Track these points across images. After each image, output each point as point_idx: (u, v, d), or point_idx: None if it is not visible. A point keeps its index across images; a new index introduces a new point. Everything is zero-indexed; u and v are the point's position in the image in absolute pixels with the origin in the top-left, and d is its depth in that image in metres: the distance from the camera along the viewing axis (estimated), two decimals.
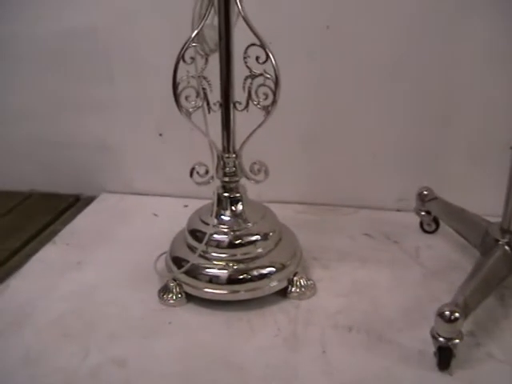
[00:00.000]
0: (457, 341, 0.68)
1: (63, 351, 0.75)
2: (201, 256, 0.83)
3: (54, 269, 0.94)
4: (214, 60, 0.79)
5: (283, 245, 0.87)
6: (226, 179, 0.84)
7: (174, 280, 0.84)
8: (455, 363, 0.70)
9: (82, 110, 1.15)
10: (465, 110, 1.02)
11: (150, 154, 1.18)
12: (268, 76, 0.76)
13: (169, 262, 0.87)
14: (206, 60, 0.78)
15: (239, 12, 0.74)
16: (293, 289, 0.85)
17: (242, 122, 0.82)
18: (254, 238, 0.84)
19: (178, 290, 0.84)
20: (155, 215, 1.13)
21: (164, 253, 0.91)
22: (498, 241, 0.82)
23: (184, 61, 0.75)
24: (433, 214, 1.00)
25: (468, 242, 0.92)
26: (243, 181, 0.86)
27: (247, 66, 0.77)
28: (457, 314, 0.67)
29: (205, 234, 0.82)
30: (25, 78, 1.16)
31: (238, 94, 0.80)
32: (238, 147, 0.83)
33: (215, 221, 0.84)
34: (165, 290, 0.85)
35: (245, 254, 0.83)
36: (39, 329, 0.80)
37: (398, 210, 1.11)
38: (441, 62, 1.00)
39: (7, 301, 0.86)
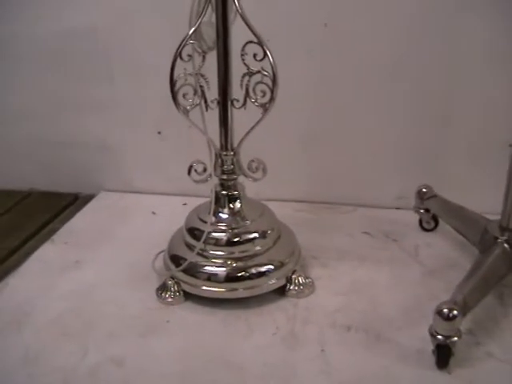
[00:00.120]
0: (455, 339, 0.68)
1: (62, 350, 0.75)
2: (199, 254, 0.83)
3: (52, 267, 0.94)
4: (212, 57, 0.79)
5: (282, 243, 0.86)
6: (224, 177, 0.84)
7: (172, 278, 0.84)
8: (454, 362, 0.69)
9: (82, 109, 1.16)
10: (465, 110, 1.02)
11: (149, 153, 1.18)
12: (266, 73, 0.76)
13: (167, 260, 0.87)
14: (204, 57, 0.78)
15: (237, 9, 0.74)
16: (291, 287, 0.85)
17: (240, 119, 0.82)
18: (252, 235, 0.83)
19: (176, 288, 0.84)
20: (154, 213, 1.13)
21: (162, 251, 0.90)
22: (497, 238, 0.81)
23: (181, 58, 0.75)
24: (432, 211, 1.00)
25: (467, 239, 0.91)
26: (241, 179, 0.86)
27: (245, 64, 0.77)
28: (455, 312, 0.67)
29: (203, 232, 0.82)
30: (25, 78, 1.16)
31: (236, 92, 0.80)
32: (235, 145, 0.83)
33: (213, 219, 0.84)
34: (163, 289, 0.85)
35: (243, 251, 0.83)
36: (38, 328, 0.79)
37: (398, 208, 1.10)
38: (441, 62, 1.00)
39: (6, 300, 0.86)
